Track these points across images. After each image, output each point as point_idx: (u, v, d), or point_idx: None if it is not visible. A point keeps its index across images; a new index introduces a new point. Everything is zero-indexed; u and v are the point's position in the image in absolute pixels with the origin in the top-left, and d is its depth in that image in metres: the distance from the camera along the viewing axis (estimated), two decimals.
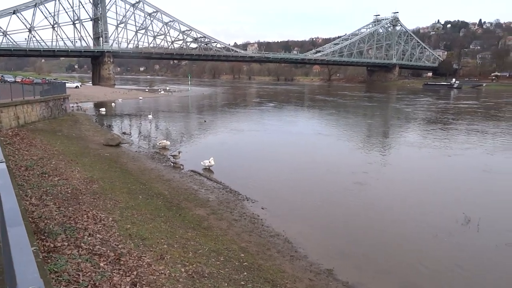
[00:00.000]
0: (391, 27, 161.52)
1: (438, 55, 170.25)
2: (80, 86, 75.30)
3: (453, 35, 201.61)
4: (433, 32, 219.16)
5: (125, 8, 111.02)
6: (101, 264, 5.82)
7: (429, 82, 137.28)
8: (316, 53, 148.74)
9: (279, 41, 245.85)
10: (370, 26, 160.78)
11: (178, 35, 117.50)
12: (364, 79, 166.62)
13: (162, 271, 6.14)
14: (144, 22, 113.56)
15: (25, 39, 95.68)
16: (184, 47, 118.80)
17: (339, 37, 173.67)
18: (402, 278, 8.04)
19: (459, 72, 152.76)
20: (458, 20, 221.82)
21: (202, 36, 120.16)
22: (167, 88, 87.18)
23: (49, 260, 5.45)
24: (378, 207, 12.30)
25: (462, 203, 12.63)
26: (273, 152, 21.01)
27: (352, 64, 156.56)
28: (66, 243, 6.20)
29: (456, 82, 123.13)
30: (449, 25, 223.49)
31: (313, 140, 25.29)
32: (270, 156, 19.80)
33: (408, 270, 8.41)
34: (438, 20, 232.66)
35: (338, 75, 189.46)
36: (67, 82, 77.37)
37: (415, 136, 27.50)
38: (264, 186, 14.23)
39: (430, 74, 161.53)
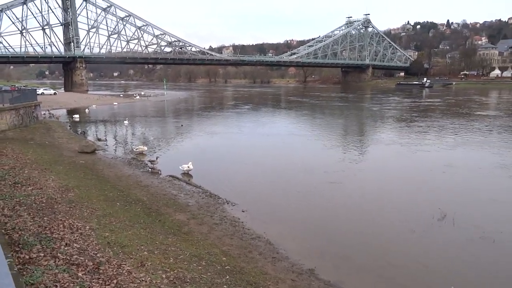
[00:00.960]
0: (363, 29, 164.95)
1: (410, 55, 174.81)
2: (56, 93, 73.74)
3: (423, 36, 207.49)
4: (404, 33, 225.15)
5: (96, 13, 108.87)
6: (80, 274, 5.68)
7: (401, 81, 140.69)
8: (291, 55, 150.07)
9: (254, 44, 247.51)
10: (343, 28, 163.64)
11: (152, 39, 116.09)
12: (339, 80, 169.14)
13: (143, 279, 6.05)
14: (117, 27, 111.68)
15: None
16: (159, 51, 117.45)
17: (313, 39, 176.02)
18: (382, 275, 8.19)
19: (430, 71, 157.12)
20: (427, 21, 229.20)
21: (176, 40, 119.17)
22: (142, 93, 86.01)
23: (24, 272, 5.28)
24: (354, 206, 12.49)
25: (435, 198, 12.96)
26: (250, 154, 21.04)
27: (326, 66, 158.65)
28: (42, 254, 6.03)
29: (428, 81, 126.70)
30: (418, 26, 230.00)
31: (289, 141, 25.47)
32: (248, 158, 19.82)
33: (387, 267, 8.57)
34: (408, 21, 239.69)
35: (313, 76, 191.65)
36: (45, 89, 75.81)
37: (386, 134, 28.13)
38: (244, 188, 14.23)
39: (402, 74, 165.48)
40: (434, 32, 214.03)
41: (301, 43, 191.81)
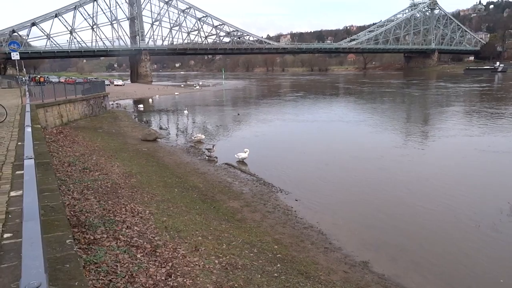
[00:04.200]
0: (429, 11, 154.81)
1: (480, 38, 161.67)
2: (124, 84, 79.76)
3: (496, 16, 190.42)
4: (474, 14, 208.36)
5: (159, 6, 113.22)
6: (138, 256, 5.99)
7: (470, 66, 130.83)
8: (350, 41, 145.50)
9: (312, 31, 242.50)
10: (407, 11, 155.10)
11: (211, 30, 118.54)
12: (401, 66, 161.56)
13: (197, 263, 6.24)
14: (178, 19, 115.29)
15: (67, 41, 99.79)
16: (218, 41, 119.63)
17: (374, 24, 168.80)
18: (440, 271, 7.75)
19: (503, 55, 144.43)
20: (502, 0, 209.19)
21: (234, 29, 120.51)
22: (200, 83, 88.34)
23: (89, 252, 5.67)
24: (413, 197, 11.90)
25: (505, 194, 11.97)
26: (306, 142, 20.81)
27: (388, 51, 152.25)
28: (105, 235, 6.43)
29: (501, 65, 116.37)
30: (491, 6, 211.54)
31: (346, 128, 24.89)
32: (304, 147, 19.62)
33: (447, 263, 8.09)
34: (480, 1, 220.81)
35: (373, 63, 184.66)
36: (116, 80, 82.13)
37: (452, 125, 26.16)
38: (298, 177, 14.14)
39: (471, 58, 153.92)
40: (510, 11, 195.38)
41: (361, 28, 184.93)
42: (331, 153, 18.11)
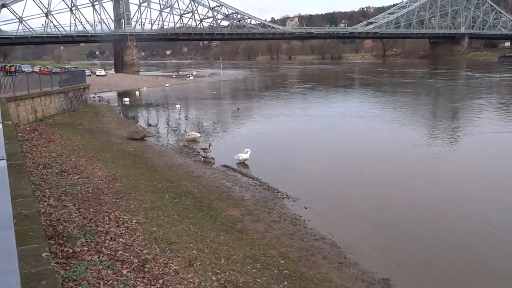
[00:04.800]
0: None
1: None
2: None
3: None
4: None
5: None
6: (124, 272, 5.98)
7: (506, 53, 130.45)
8: (367, 25, 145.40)
9: (323, 14, 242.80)
10: None
11: (207, 12, 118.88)
12: (426, 54, 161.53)
13: (191, 280, 6.23)
14: (169, 0, 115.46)
15: (42, 24, 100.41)
16: (215, 25, 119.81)
17: (394, 5, 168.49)
18: None
19: None
20: None
21: (234, 12, 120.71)
22: (194, 73, 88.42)
23: (67, 267, 5.66)
24: (441, 204, 11.89)
25: None
26: (316, 141, 20.82)
27: (411, 36, 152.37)
28: (86, 248, 6.42)
29: None
30: None
31: (362, 126, 24.87)
32: (313, 146, 19.61)
33: (480, 281, 8.06)
34: None
35: (394, 50, 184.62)
36: (98, 70, 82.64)
37: (484, 123, 25.94)
38: (307, 181, 14.14)
39: (507, 44, 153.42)
40: None
41: (380, 10, 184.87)
42: (344, 153, 18.11)
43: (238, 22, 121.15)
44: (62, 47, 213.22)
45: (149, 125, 26.09)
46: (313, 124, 26.04)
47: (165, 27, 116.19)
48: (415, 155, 17.40)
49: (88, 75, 49.23)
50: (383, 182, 13.94)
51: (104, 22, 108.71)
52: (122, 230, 7.75)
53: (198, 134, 21.51)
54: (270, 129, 24.64)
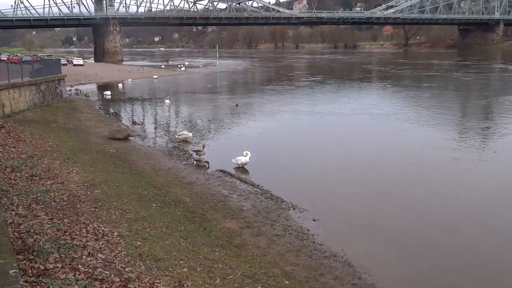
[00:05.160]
0: None
1: None
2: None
3: None
4: None
5: None
6: None
7: None
8: (387, 9, 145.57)
9: None
10: None
11: None
12: (454, 43, 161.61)
13: None
14: None
15: (11, 6, 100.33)
16: (210, 8, 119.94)
17: None
18: None
19: None
20: None
21: None
22: (186, 63, 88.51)
23: (38, 286, 5.67)
24: (469, 219, 11.92)
25: None
26: (326, 143, 20.83)
27: (437, 23, 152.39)
28: (60, 265, 6.41)
29: None
30: None
31: (378, 126, 24.98)
32: (323, 149, 19.59)
33: None
34: None
35: (418, 38, 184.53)
36: (75, 58, 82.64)
37: None
38: (315, 190, 14.15)
39: None
40: None
41: None
42: (359, 158, 18.06)
43: (237, 5, 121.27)
44: (34, 32, 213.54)
45: (134, 123, 26.10)
46: (322, 124, 26.06)
47: (153, 9, 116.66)
48: (438, 161, 17.34)
49: (64, 65, 49.37)
50: (403, 193, 13.93)
51: (82, 3, 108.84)
52: (102, 244, 7.74)
53: (191, 134, 21.51)
54: (273, 129, 24.63)
